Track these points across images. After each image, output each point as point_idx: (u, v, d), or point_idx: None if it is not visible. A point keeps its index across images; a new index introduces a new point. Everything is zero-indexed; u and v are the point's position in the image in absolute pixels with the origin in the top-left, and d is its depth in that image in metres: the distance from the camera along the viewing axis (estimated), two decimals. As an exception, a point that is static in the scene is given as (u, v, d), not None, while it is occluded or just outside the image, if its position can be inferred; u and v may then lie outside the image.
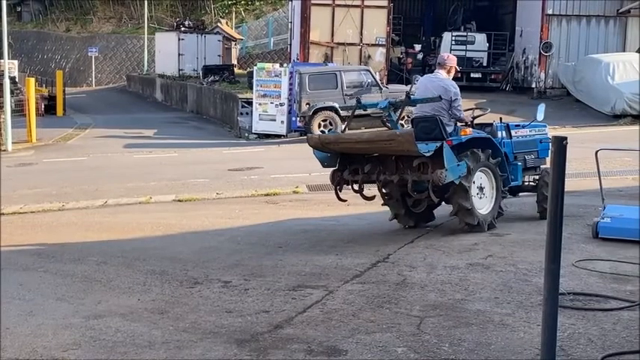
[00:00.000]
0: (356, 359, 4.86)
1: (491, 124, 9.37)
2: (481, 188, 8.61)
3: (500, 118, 9.66)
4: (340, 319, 5.64)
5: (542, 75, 27.79)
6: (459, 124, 8.92)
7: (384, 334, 5.29)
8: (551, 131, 10.66)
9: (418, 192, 8.51)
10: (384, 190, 8.97)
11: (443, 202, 9.11)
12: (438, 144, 8.07)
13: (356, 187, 8.94)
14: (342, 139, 8.90)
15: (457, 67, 9.35)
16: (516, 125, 9.65)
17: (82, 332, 5.53)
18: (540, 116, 9.36)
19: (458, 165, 8.14)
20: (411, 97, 8.83)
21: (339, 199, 8.93)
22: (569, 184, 10.68)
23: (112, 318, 5.86)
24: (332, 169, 8.88)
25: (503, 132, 9.32)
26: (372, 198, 9.10)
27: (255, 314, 5.84)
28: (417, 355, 4.89)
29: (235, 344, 5.18)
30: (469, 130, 8.75)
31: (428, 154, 8.02)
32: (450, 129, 8.61)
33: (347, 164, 8.82)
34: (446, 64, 9.04)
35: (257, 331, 5.44)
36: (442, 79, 8.91)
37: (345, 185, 8.99)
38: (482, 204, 8.63)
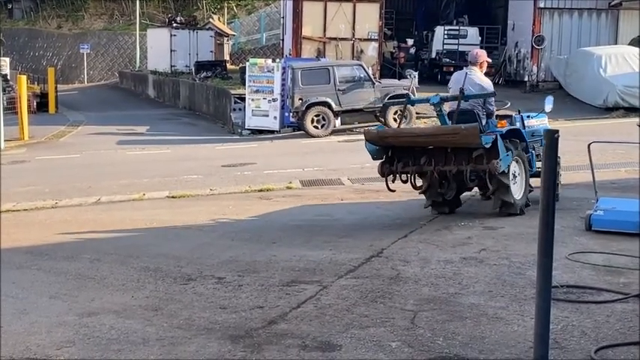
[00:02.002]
0: (350, 354, 4.87)
1: (510, 116, 10.02)
2: (514, 176, 9.15)
3: (519, 111, 10.27)
4: (334, 314, 5.64)
5: (535, 68, 27.79)
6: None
7: (378, 328, 5.30)
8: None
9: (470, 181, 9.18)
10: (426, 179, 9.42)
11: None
12: (493, 136, 8.66)
13: (404, 177, 9.39)
14: (403, 133, 9.57)
15: (488, 60, 10.08)
16: (527, 116, 10.26)
17: (76, 330, 5.52)
18: (548, 108, 9.95)
19: (507, 155, 8.79)
20: (465, 93, 9.19)
21: (389, 189, 9.42)
22: (563, 177, 10.72)
23: (105, 315, 5.85)
24: (380, 161, 9.34)
25: (519, 123, 9.95)
26: (421, 187, 9.47)
27: (250, 310, 5.84)
28: (411, 350, 4.90)
29: (229, 340, 5.18)
30: (504, 122, 9.46)
31: (487, 146, 8.57)
32: (483, 121, 9.30)
33: (396, 157, 9.25)
34: (477, 61, 9.66)
35: (251, 326, 5.44)
36: (478, 77, 9.54)
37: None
38: (516, 190, 9.18)
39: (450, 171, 8.95)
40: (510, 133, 9.19)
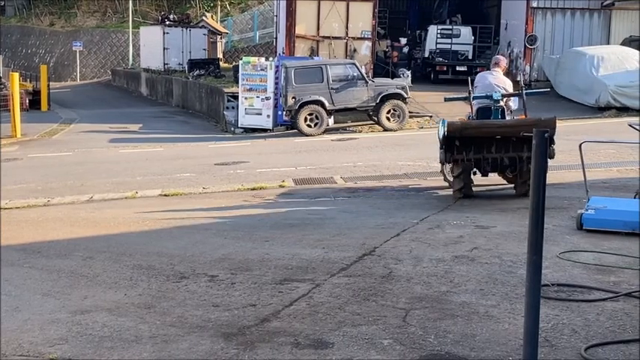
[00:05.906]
0: (342, 352, 4.89)
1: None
2: None
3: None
4: (327, 312, 5.66)
5: (527, 68, 27.86)
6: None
7: (370, 326, 5.32)
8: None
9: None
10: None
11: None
12: None
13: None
14: (486, 124, 10.49)
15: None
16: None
17: (69, 327, 5.53)
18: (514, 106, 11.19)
19: None
20: (525, 90, 10.90)
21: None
22: (555, 177, 10.79)
23: (98, 313, 5.86)
24: (441, 150, 10.22)
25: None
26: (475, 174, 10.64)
27: (242, 308, 5.86)
28: (402, 347, 4.93)
29: (222, 338, 5.19)
30: (524, 115, 10.81)
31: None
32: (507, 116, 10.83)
33: (458, 146, 10.08)
34: (500, 64, 11.26)
35: (244, 324, 5.46)
36: (504, 78, 11.05)
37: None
38: None
39: (512, 157, 9.97)
40: None
